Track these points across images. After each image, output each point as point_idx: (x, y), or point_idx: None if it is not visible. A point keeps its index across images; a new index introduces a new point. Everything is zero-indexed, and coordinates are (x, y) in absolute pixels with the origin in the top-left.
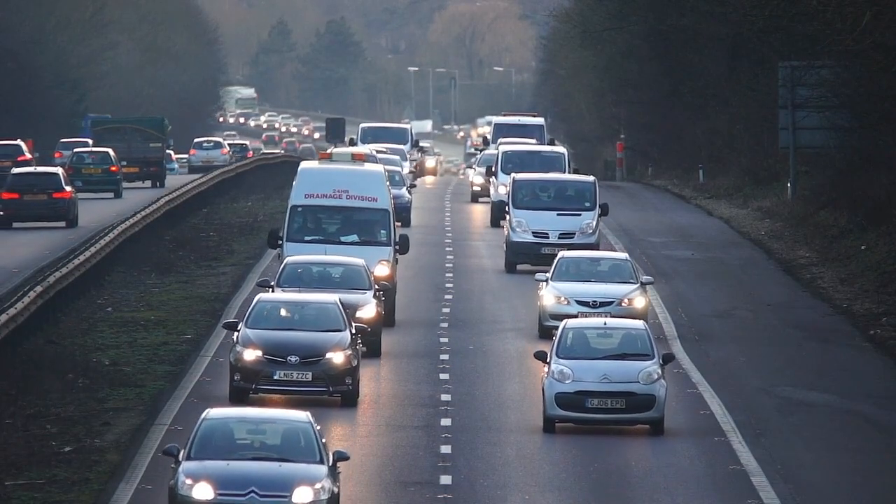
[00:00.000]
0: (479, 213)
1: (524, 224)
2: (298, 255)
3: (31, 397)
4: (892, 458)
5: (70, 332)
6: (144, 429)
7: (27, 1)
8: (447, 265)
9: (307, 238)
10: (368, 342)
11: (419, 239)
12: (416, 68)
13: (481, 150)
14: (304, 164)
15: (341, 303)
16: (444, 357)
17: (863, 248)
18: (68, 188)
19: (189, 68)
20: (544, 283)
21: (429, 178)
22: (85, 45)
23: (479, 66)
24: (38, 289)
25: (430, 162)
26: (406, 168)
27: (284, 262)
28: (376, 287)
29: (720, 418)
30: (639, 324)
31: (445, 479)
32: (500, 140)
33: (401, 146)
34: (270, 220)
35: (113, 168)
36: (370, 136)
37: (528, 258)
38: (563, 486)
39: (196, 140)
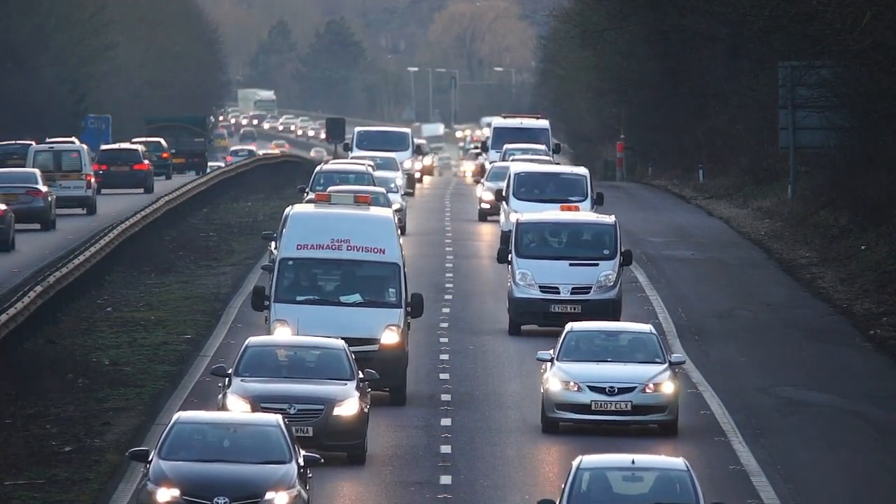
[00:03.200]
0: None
1: (529, 276)
2: (288, 317)
3: (31, 397)
4: (892, 458)
5: (70, 332)
6: (144, 429)
7: (27, 1)
8: (447, 265)
9: (299, 298)
10: (350, 446)
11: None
12: (416, 68)
13: (477, 149)
14: (295, 209)
15: (309, 400)
16: (444, 357)
17: (863, 248)
18: (146, 161)
19: (189, 68)
20: (549, 364)
21: (426, 178)
22: (85, 45)
23: (479, 66)
24: (38, 289)
25: (427, 160)
26: (400, 181)
27: (245, 343)
28: (360, 376)
29: (720, 418)
30: (678, 462)
31: (445, 479)
32: (506, 147)
33: (401, 152)
34: (270, 220)
35: (164, 155)
36: (366, 141)
37: (534, 318)
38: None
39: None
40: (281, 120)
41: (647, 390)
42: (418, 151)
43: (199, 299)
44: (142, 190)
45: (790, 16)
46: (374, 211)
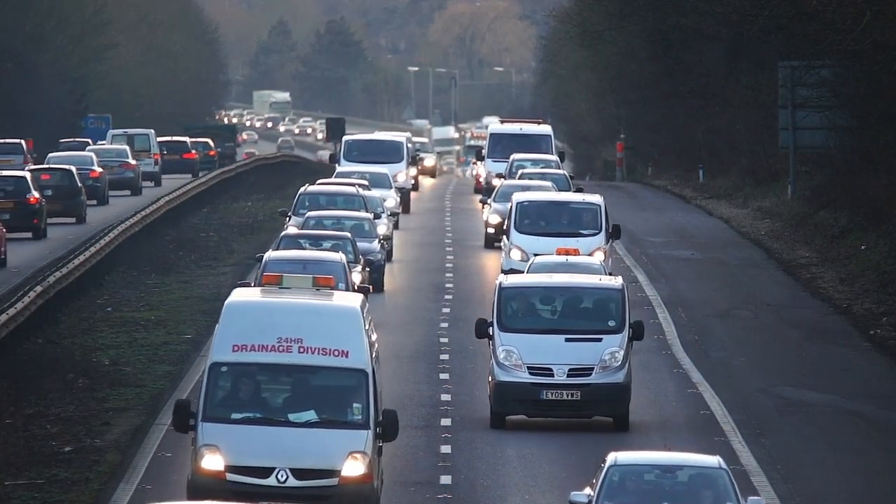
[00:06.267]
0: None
1: (516, 355)
2: (220, 442)
3: (31, 397)
4: (892, 458)
5: (70, 332)
6: (144, 429)
7: (27, 1)
8: (447, 265)
9: (235, 416)
10: None
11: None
12: (416, 68)
13: (475, 148)
14: (234, 297)
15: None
16: (444, 357)
17: (863, 248)
18: (193, 151)
19: (189, 68)
20: None
21: (427, 181)
22: (85, 45)
23: (479, 66)
24: (38, 289)
25: (428, 161)
26: (392, 202)
27: None
28: None
29: (720, 418)
30: None
31: (445, 479)
32: (513, 158)
33: (395, 164)
34: (270, 219)
35: (211, 153)
36: (355, 152)
37: (522, 406)
38: (563, 486)
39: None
40: (299, 122)
41: None
42: (413, 162)
43: (199, 299)
44: (190, 175)
45: (790, 16)
46: (337, 300)
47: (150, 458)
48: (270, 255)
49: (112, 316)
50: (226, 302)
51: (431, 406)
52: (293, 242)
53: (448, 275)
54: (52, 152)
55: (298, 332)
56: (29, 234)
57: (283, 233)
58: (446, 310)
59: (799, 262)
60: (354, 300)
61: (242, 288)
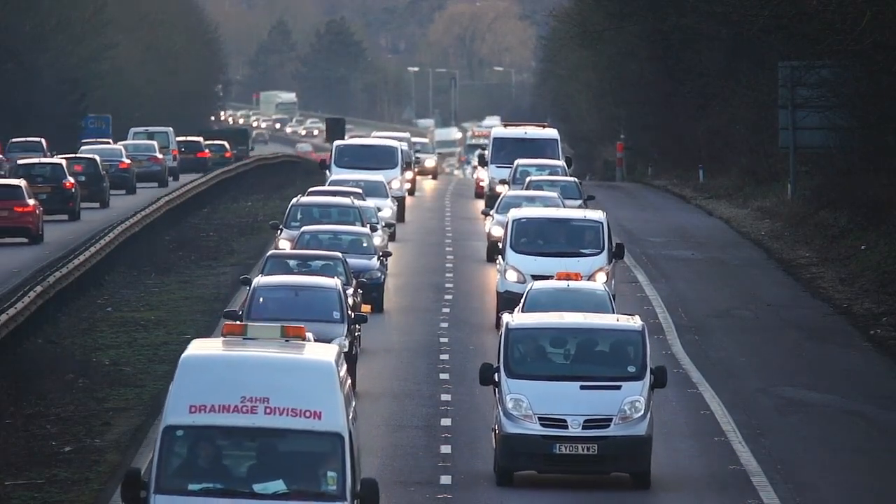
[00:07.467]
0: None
1: (525, 405)
2: None
3: (31, 397)
4: (892, 458)
5: (70, 332)
6: (144, 429)
7: (27, 1)
8: (447, 265)
9: (192, 487)
10: None
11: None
12: (416, 68)
13: (476, 147)
14: (191, 350)
15: None
16: (444, 357)
17: (863, 248)
18: (206, 150)
19: (189, 68)
20: None
21: (427, 182)
22: (85, 45)
23: (479, 66)
24: (38, 289)
25: (429, 162)
26: (388, 213)
27: None
28: None
29: (720, 418)
30: None
31: (445, 479)
32: (518, 164)
33: (389, 170)
34: (270, 220)
35: (227, 154)
36: (347, 158)
37: (532, 461)
38: (563, 486)
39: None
40: (306, 123)
41: None
42: (408, 166)
43: (199, 299)
44: (202, 174)
45: (790, 16)
46: (309, 353)
47: (150, 458)
48: (260, 281)
49: (112, 316)
50: (182, 356)
51: (431, 406)
52: (280, 264)
53: (448, 275)
54: (82, 146)
55: (265, 391)
56: (65, 217)
57: (269, 252)
58: (446, 310)
59: (799, 262)
60: (328, 353)
61: (201, 339)
